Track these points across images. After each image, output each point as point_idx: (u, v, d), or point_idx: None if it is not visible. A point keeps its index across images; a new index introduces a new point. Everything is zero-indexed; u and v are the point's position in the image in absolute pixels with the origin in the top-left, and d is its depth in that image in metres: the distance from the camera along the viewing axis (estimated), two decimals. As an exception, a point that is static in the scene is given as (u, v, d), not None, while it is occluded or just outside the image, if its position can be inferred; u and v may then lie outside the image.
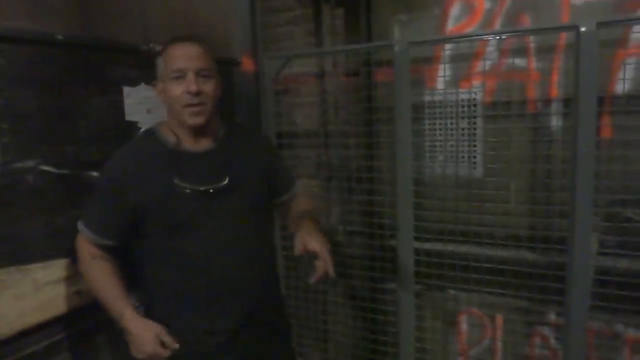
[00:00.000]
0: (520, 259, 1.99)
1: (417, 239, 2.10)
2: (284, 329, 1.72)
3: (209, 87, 1.40)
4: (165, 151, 1.42)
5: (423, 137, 2.17)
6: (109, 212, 1.42)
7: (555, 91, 1.93)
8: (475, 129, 2.08)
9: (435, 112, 2.15)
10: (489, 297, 2.12)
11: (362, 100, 2.25)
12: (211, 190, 1.41)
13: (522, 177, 2.02)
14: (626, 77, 1.80)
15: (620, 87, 1.82)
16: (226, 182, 1.42)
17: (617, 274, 1.84)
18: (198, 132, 1.44)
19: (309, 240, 1.34)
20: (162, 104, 1.45)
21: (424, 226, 2.11)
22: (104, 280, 1.43)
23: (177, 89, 1.36)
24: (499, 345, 2.15)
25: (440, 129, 2.14)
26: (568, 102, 1.87)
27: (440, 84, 2.12)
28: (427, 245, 2.13)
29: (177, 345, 1.39)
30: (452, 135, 2.11)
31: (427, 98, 2.16)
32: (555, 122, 1.95)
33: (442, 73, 2.04)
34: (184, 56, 1.36)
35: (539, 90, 1.95)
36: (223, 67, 1.90)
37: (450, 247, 2.10)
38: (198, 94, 1.36)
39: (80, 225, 1.44)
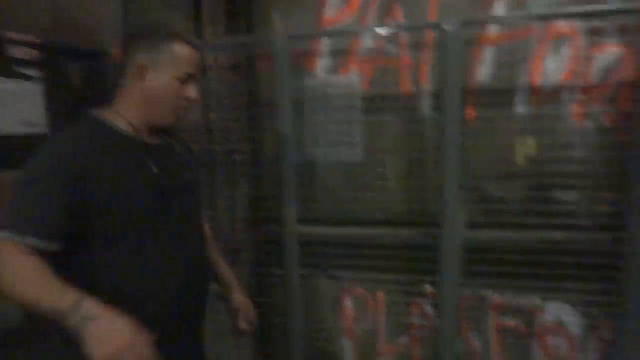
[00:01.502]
0: (398, 236, 2.07)
1: (301, 223, 2.10)
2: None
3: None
4: (126, 140, 1.26)
5: (305, 125, 2.15)
6: (61, 207, 1.13)
7: (426, 81, 2.02)
8: (354, 113, 2.11)
9: (317, 100, 2.13)
10: (371, 276, 2.19)
11: (245, 94, 2.18)
12: (182, 184, 1.33)
13: (399, 160, 2.09)
14: (485, 72, 1.94)
15: (482, 79, 1.96)
16: (188, 177, 1.36)
17: (483, 244, 1.99)
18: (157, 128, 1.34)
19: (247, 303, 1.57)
20: (127, 85, 1.26)
21: (308, 211, 2.12)
22: (41, 273, 1.07)
23: (179, 91, 1.27)
24: (382, 319, 2.23)
25: (322, 117, 2.14)
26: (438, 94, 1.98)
27: (320, 73, 2.12)
28: (312, 230, 2.13)
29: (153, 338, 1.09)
30: (333, 122, 2.13)
31: (309, 86, 2.14)
32: (427, 108, 2.04)
33: (322, 63, 2.05)
34: (195, 61, 1.30)
35: (412, 80, 2.03)
36: (91, 59, 1.72)
37: (334, 231, 2.13)
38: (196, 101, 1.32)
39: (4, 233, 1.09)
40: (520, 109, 1.95)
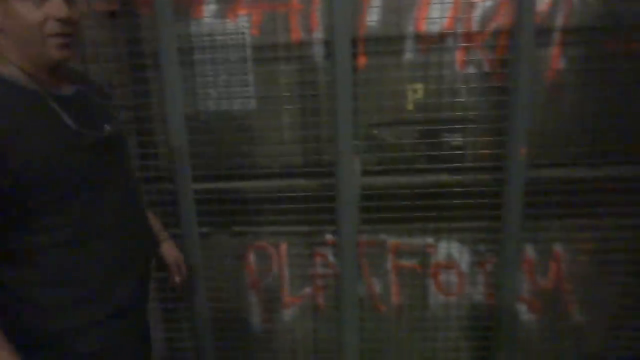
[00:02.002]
0: (296, 186, 2.06)
1: (196, 179, 2.03)
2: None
3: (77, 14, 1.11)
4: (30, 95, 1.07)
5: (193, 73, 2.04)
6: None
7: (317, 28, 1.98)
8: (245, 61, 2.03)
9: (205, 45, 2.02)
10: (272, 228, 2.18)
11: (126, 43, 2.01)
12: (107, 138, 1.17)
13: (293, 108, 2.06)
14: (373, 19, 1.93)
15: (371, 26, 1.95)
16: (111, 129, 1.19)
17: (378, 189, 2.04)
18: (58, 71, 1.15)
19: (178, 256, 1.55)
20: None
21: (202, 165, 2.05)
22: None
23: (36, 13, 1.03)
24: (285, 271, 2.24)
25: (211, 64, 2.03)
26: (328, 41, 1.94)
27: (206, 16, 1.99)
28: (208, 185, 2.07)
29: None
30: (223, 72, 2.03)
31: (195, 34, 2.02)
32: (319, 56, 2.01)
33: (208, 8, 1.94)
34: None
35: (302, 27, 1.98)
36: None
37: (230, 185, 2.08)
38: (68, 21, 1.07)
39: None
40: (409, 55, 1.98)
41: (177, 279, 1.57)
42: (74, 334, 1.15)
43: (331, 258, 2.21)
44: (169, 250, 1.54)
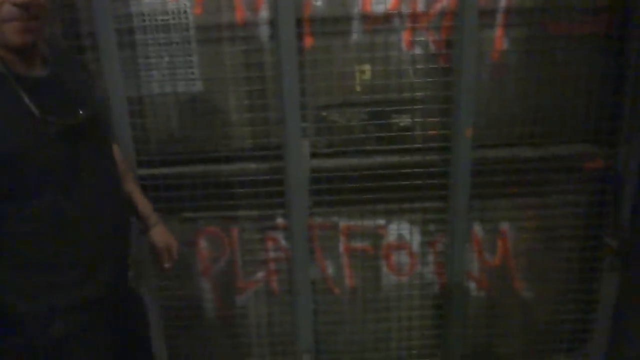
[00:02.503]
0: (245, 169, 2.04)
1: (140, 165, 1.98)
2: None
3: None
4: None
5: (134, 55, 1.96)
6: None
7: (262, 8, 1.93)
8: (189, 42, 1.97)
9: (145, 26, 1.95)
10: (222, 213, 2.15)
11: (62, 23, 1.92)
12: (80, 124, 1.12)
13: (240, 90, 2.02)
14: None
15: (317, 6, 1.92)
16: (85, 114, 1.14)
17: (328, 172, 2.03)
18: (27, 53, 1.09)
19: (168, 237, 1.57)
20: None
21: (147, 150, 1.99)
22: None
23: None
24: (237, 256, 2.22)
25: (153, 46, 1.96)
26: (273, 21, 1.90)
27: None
28: (154, 171, 2.01)
29: None
30: (165, 51, 1.97)
31: (134, 10, 1.94)
32: (265, 38, 1.97)
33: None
34: None
35: (247, 6, 1.93)
36: None
37: (178, 169, 2.03)
38: (27, 5, 1.01)
39: None
40: (355, 36, 1.96)
41: (167, 264, 1.56)
42: (44, 319, 1.13)
43: (283, 242, 2.20)
44: (159, 235, 1.53)
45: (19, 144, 1.03)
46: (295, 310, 2.15)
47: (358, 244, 2.22)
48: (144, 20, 1.92)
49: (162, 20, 1.93)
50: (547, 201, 2.16)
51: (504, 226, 2.22)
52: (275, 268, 2.24)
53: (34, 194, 1.06)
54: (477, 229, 2.21)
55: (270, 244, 2.21)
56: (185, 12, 1.92)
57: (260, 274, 2.26)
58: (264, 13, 1.93)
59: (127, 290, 1.44)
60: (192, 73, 1.99)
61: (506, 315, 2.33)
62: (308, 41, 1.96)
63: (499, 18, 1.96)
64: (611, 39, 1.96)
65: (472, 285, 2.29)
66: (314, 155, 2.03)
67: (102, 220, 1.21)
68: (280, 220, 2.17)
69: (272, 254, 2.22)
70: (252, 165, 2.04)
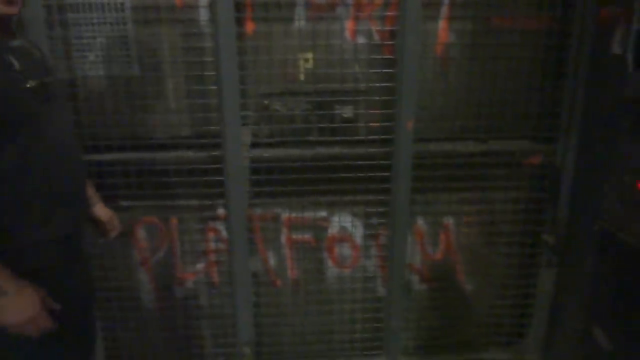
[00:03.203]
0: (183, 157, 1.97)
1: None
2: None
3: None
4: None
5: (66, 35, 1.87)
6: None
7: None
8: (124, 23, 1.89)
9: (78, 4, 1.85)
10: (161, 202, 2.08)
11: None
12: (47, 85, 1.30)
13: (179, 74, 1.95)
14: None
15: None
16: (51, 79, 1.34)
17: (269, 162, 1.99)
18: (6, 24, 1.26)
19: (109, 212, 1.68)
20: None
21: (79, 135, 1.90)
22: None
23: None
24: (177, 247, 2.16)
25: (85, 23, 1.87)
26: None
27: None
28: (87, 157, 1.93)
29: (58, 306, 1.28)
30: (99, 32, 1.88)
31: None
32: (205, 21, 1.90)
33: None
34: None
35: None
36: None
37: (113, 156, 1.95)
38: None
39: None
40: (299, 23, 1.92)
41: (113, 233, 1.70)
42: (20, 253, 1.26)
43: (224, 233, 2.15)
44: (102, 210, 1.66)
45: (4, 90, 1.19)
46: (236, 302, 2.11)
47: (300, 236, 2.19)
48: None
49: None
50: (488, 196, 2.18)
51: (447, 220, 2.22)
52: (216, 259, 2.19)
53: (11, 133, 1.20)
54: (420, 222, 2.21)
55: (210, 235, 2.16)
56: (119, -9, 1.84)
57: (200, 265, 2.20)
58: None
59: (83, 242, 1.53)
60: (128, 56, 1.91)
61: (448, 308, 2.34)
62: (249, 26, 1.91)
63: (444, 10, 1.95)
64: (553, 36, 1.97)
65: (415, 278, 2.29)
66: (254, 144, 1.99)
67: (69, 166, 1.37)
68: (221, 211, 2.11)
69: (212, 245, 2.17)
70: (190, 154, 1.98)
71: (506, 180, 2.15)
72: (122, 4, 1.86)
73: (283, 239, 2.19)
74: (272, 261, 2.22)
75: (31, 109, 1.25)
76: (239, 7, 1.81)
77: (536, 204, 2.17)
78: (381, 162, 2.02)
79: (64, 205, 1.35)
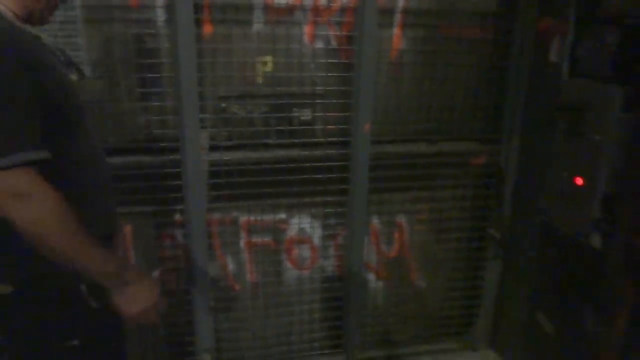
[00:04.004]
0: (139, 162, 1.91)
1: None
2: None
3: None
4: (36, 38, 1.16)
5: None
6: (36, 113, 1.03)
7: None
8: (75, 22, 1.80)
9: None
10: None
11: None
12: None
13: (134, 75, 1.89)
14: None
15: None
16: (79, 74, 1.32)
17: (228, 165, 1.97)
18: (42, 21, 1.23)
19: None
20: None
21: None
22: (83, 230, 1.05)
23: None
24: (131, 254, 2.08)
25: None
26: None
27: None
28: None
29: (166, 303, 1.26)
30: (47, 30, 1.78)
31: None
32: (161, 22, 1.86)
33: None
34: None
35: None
36: None
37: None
38: None
39: (22, 154, 0.97)
40: (257, 26, 1.92)
41: None
42: None
43: (181, 239, 2.10)
44: None
45: (68, 83, 1.18)
46: (194, 309, 2.07)
47: (259, 239, 2.19)
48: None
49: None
50: (438, 195, 2.29)
51: (401, 219, 2.31)
52: (172, 266, 2.13)
53: (75, 126, 1.18)
54: (375, 221, 2.28)
55: (167, 241, 2.10)
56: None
57: (156, 273, 2.14)
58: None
59: None
60: (78, 56, 1.82)
61: (403, 304, 2.43)
62: (207, 28, 1.88)
63: (397, 18, 2.03)
64: (496, 45, 2.11)
65: (371, 276, 2.36)
66: (213, 148, 1.96)
67: (105, 162, 1.34)
68: (178, 216, 2.06)
69: (169, 251, 2.11)
70: (147, 158, 1.92)
71: (455, 179, 2.28)
72: (72, 2, 1.77)
73: (242, 242, 2.18)
74: (230, 266, 2.20)
75: (79, 104, 1.21)
76: (196, 9, 1.78)
77: (482, 201, 2.32)
78: (339, 163, 2.06)
79: (109, 203, 1.34)
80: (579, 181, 1.75)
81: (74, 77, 1.25)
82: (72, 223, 1.04)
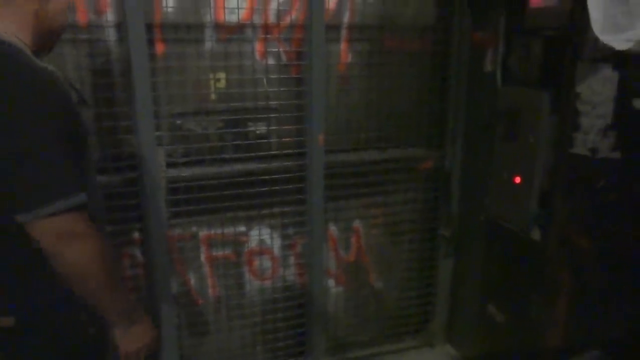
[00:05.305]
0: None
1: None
2: None
3: None
4: (54, 73, 1.13)
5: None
6: (77, 153, 1.09)
7: (107, 8, 1.82)
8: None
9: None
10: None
11: None
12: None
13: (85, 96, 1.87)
14: (169, 5, 1.86)
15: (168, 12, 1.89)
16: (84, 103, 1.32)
17: (186, 181, 1.99)
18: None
19: None
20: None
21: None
22: (118, 270, 1.24)
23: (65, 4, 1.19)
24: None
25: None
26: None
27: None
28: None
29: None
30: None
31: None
32: (113, 42, 1.86)
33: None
34: None
35: (90, 8, 1.80)
36: None
37: None
38: None
39: (72, 199, 1.01)
40: (209, 44, 1.97)
41: None
42: None
43: (140, 257, 2.09)
44: None
45: (72, 101, 1.15)
46: (160, 326, 2.06)
47: (220, 253, 2.21)
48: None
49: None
50: (390, 199, 2.40)
51: (356, 224, 2.40)
52: (133, 285, 2.11)
53: (87, 164, 1.21)
54: (333, 228, 2.36)
55: (126, 261, 2.09)
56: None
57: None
58: (110, 15, 1.82)
59: None
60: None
61: (363, 306, 2.52)
62: (159, 47, 1.91)
63: (344, 33, 2.13)
64: (436, 55, 2.26)
65: (331, 282, 2.43)
66: (170, 164, 1.98)
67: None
68: (136, 235, 2.06)
69: (129, 272, 2.09)
70: (103, 178, 1.91)
71: (404, 184, 2.40)
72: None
73: (202, 257, 2.19)
74: (192, 280, 2.20)
75: (86, 125, 1.21)
76: (148, 28, 1.81)
77: (431, 203, 2.45)
78: (295, 174, 2.13)
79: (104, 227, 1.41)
80: (517, 180, 1.91)
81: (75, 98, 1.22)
82: (111, 263, 1.11)
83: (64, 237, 1.01)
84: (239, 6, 1.94)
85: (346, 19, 2.12)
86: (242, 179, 2.07)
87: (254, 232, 2.24)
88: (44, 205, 0.98)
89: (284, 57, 2.07)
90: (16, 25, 1.09)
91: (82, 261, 1.04)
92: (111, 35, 1.84)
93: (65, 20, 1.21)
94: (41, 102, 1.01)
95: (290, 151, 2.13)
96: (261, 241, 2.26)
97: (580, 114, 1.67)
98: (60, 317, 1.18)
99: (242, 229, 2.22)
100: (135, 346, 1.22)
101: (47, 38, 1.17)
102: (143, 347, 1.24)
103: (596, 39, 1.46)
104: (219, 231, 2.17)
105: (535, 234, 1.87)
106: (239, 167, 2.07)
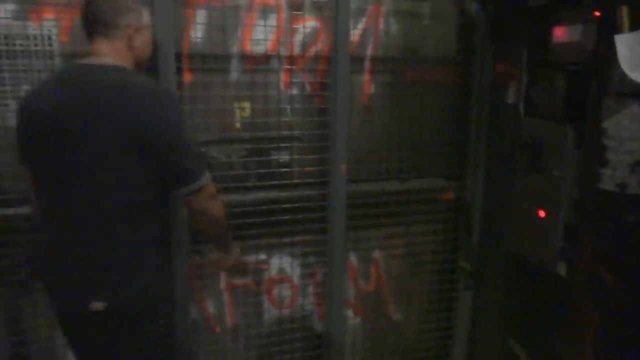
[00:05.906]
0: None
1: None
2: None
3: None
4: None
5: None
6: None
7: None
8: (54, 71, 1.82)
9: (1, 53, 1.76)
10: None
11: None
12: None
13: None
14: (198, 36, 1.91)
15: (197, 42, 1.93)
16: None
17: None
18: None
19: None
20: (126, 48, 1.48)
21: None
22: None
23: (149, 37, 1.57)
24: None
25: (9, 70, 1.78)
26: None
27: (2, 17, 1.74)
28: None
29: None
30: (25, 79, 1.80)
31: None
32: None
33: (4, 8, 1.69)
34: None
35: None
36: None
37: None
38: None
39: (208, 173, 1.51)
40: (235, 74, 2.00)
41: None
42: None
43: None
44: None
45: None
46: (174, 353, 2.04)
47: (239, 281, 2.20)
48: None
49: (22, 45, 1.76)
50: (410, 230, 2.39)
51: (376, 254, 2.38)
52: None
53: None
54: (353, 258, 2.34)
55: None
56: (49, 38, 1.79)
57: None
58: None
59: None
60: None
61: (380, 338, 2.48)
62: (187, 76, 1.95)
63: (367, 64, 2.16)
64: (458, 87, 2.28)
65: (349, 312, 2.40)
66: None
67: None
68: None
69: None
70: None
71: (425, 215, 2.39)
72: (51, 51, 1.80)
73: (222, 284, 2.18)
74: (210, 308, 2.19)
75: None
76: (177, 57, 1.85)
77: (452, 234, 2.43)
78: (317, 203, 2.13)
79: None
80: (542, 214, 1.89)
81: None
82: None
83: (211, 196, 1.52)
84: (266, 38, 1.98)
85: (369, 51, 2.15)
86: (264, 207, 2.07)
87: (275, 260, 2.23)
88: (205, 176, 1.49)
89: (308, 88, 2.10)
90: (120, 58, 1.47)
91: (220, 212, 1.59)
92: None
93: (150, 52, 1.58)
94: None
95: (312, 180, 2.14)
96: (281, 270, 2.25)
97: (607, 149, 1.66)
98: (144, 303, 1.50)
99: (263, 257, 2.21)
100: (233, 259, 1.83)
101: (144, 62, 1.58)
102: (235, 260, 1.85)
103: (623, 74, 1.46)
104: (239, 259, 2.16)
105: (562, 269, 1.84)
106: (261, 195, 2.08)
